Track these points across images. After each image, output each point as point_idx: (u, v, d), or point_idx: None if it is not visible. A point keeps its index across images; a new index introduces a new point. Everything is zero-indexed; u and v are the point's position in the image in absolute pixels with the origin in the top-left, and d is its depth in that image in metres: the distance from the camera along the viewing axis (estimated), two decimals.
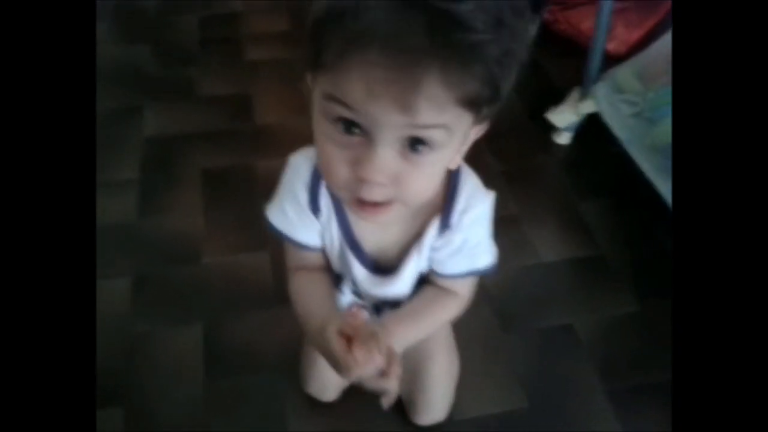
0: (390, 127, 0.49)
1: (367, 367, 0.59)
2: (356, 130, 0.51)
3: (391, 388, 0.62)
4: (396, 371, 0.61)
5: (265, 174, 1.36)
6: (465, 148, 0.60)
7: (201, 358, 1.05)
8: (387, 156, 0.51)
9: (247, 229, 1.25)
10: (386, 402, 0.68)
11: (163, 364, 1.05)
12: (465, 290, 0.76)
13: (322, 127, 0.54)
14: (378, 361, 0.59)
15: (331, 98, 0.50)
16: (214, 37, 1.77)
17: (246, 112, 1.53)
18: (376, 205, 0.55)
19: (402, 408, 0.97)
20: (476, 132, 0.58)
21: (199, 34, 1.78)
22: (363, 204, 0.56)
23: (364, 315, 0.65)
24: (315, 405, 0.98)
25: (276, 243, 1.20)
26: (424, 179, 0.55)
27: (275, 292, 1.14)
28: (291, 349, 1.02)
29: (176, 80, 1.62)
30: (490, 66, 0.48)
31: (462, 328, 1.02)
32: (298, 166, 0.69)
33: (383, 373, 0.60)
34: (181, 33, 1.78)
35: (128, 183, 1.34)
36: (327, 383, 0.95)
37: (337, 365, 0.61)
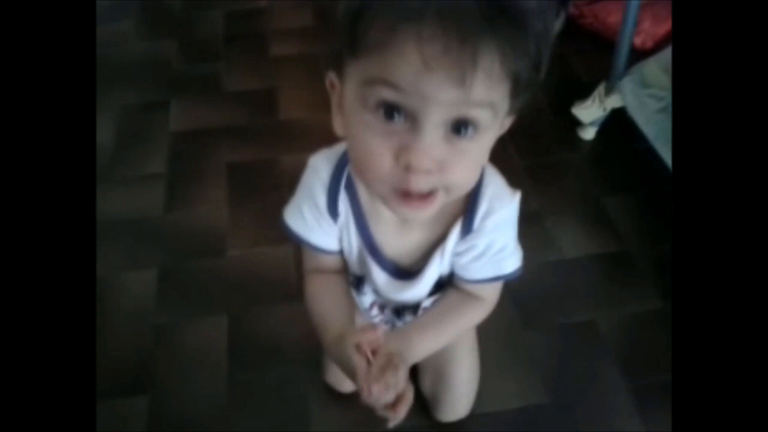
0: (439, 105, 0.48)
1: (380, 400, 0.57)
2: (398, 116, 0.50)
3: (398, 418, 0.60)
4: (405, 406, 0.59)
5: (289, 168, 1.37)
6: (494, 141, 0.58)
7: (225, 349, 1.06)
8: (434, 140, 0.50)
9: (271, 222, 1.25)
10: (391, 424, 0.62)
11: (188, 355, 1.06)
12: (491, 295, 0.74)
13: (359, 117, 0.52)
14: (391, 396, 0.57)
15: (375, 81, 0.49)
16: (239, 33, 1.79)
17: (270, 107, 1.54)
18: (421, 197, 0.54)
19: (422, 403, 0.98)
20: (504, 126, 0.58)
21: (224, 30, 1.80)
22: (408, 197, 0.54)
23: (383, 329, 0.61)
24: (337, 397, 0.99)
25: None
26: (468, 166, 0.54)
27: (298, 285, 1.13)
28: (314, 342, 1.01)
29: (202, 76, 1.64)
30: (538, 41, 0.48)
31: (483, 324, 1.01)
32: (318, 168, 0.67)
33: (393, 405, 0.58)
34: (207, 29, 1.80)
35: (155, 177, 1.37)
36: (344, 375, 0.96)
37: (353, 378, 0.59)
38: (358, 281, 0.78)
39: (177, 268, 1.19)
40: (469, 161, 0.54)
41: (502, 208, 0.65)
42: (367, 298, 0.80)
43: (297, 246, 1.19)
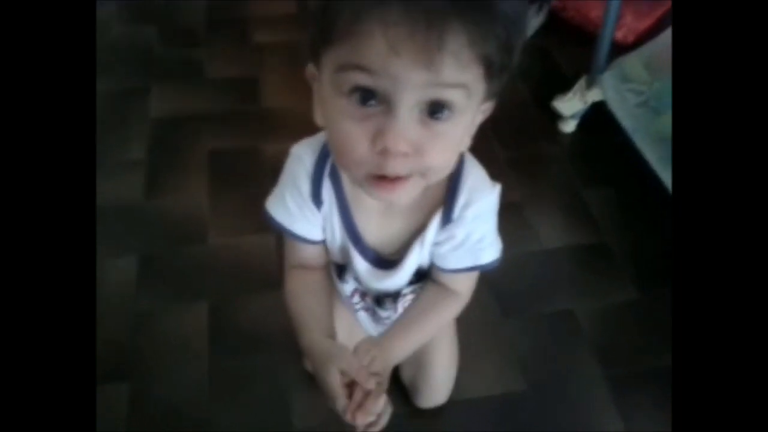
0: (411, 87, 0.48)
1: (361, 425, 0.60)
2: (373, 101, 0.50)
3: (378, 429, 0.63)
4: (384, 421, 0.62)
5: (272, 156, 1.36)
6: (473, 129, 0.60)
7: (206, 337, 1.07)
8: (408, 122, 0.50)
9: (253, 210, 1.25)
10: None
11: (169, 342, 1.06)
12: (466, 286, 0.75)
13: (335, 104, 0.52)
14: (373, 419, 0.60)
15: (347, 67, 0.49)
16: (221, 19, 1.77)
17: (252, 94, 1.53)
18: (394, 180, 0.54)
19: (402, 390, 0.99)
20: (484, 111, 0.59)
21: (206, 16, 1.78)
22: (381, 181, 0.54)
23: (366, 347, 0.64)
24: (318, 385, 1.00)
25: None
26: (444, 148, 0.54)
27: (280, 273, 1.15)
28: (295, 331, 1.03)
29: (183, 62, 1.63)
30: (507, 25, 0.48)
31: (463, 313, 1.03)
32: (301, 156, 0.67)
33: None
34: (188, 15, 1.78)
35: (135, 164, 1.35)
36: None
37: (332, 400, 0.62)
38: (340, 270, 0.79)
39: (158, 255, 1.19)
40: (445, 143, 0.54)
41: (481, 198, 0.66)
42: (348, 286, 0.81)
43: (279, 235, 1.20)
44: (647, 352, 1.07)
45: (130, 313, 1.09)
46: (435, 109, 0.51)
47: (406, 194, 0.56)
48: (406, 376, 0.98)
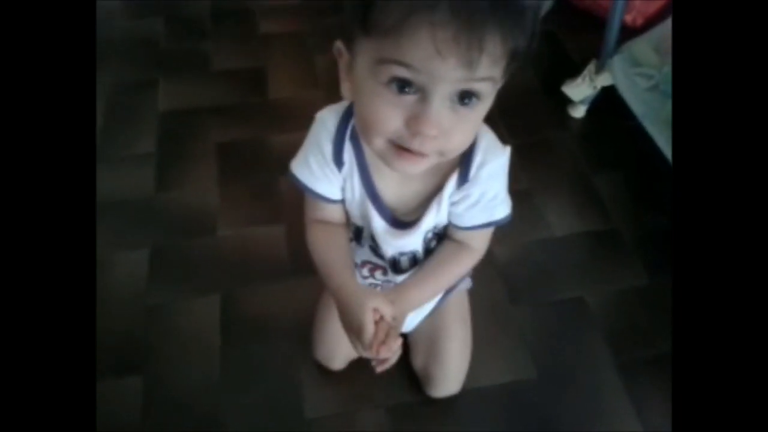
0: (448, 82, 0.53)
1: (380, 357, 0.68)
2: (410, 90, 0.55)
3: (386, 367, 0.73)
4: (395, 359, 0.71)
5: (279, 147, 1.36)
6: (488, 108, 0.63)
7: (217, 328, 1.07)
8: (441, 111, 0.56)
9: (262, 201, 1.27)
10: (379, 368, 0.73)
11: (181, 334, 1.07)
12: (481, 243, 0.79)
13: (371, 87, 0.57)
14: (389, 354, 0.69)
15: (389, 61, 0.53)
16: (227, 11, 1.77)
17: (260, 85, 1.53)
18: (415, 154, 0.59)
19: (413, 379, 0.99)
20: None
21: (211, 8, 1.77)
22: (403, 152, 0.59)
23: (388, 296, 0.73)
24: (330, 375, 1.01)
25: (291, 216, 1.22)
26: (467, 132, 0.60)
27: (290, 264, 1.16)
28: (306, 321, 1.04)
29: (190, 54, 1.63)
30: (532, 18, 0.53)
31: (472, 300, 1.04)
32: (325, 120, 0.72)
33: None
34: (195, 7, 1.78)
35: (144, 157, 1.36)
36: (334, 351, 0.98)
37: (353, 332, 0.71)
38: (357, 232, 0.82)
39: (169, 247, 1.19)
40: (468, 126, 0.60)
41: (495, 158, 0.70)
42: (362, 252, 0.85)
43: (288, 225, 1.21)
44: (658, 338, 1.06)
45: (142, 306, 1.10)
46: (464, 97, 0.56)
47: (421, 168, 0.62)
48: (418, 364, 0.99)
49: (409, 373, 0.99)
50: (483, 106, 0.59)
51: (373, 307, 0.69)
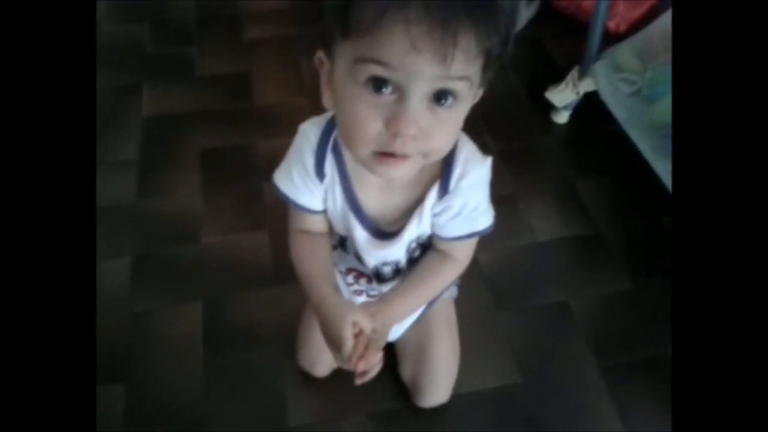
0: (424, 79, 0.55)
1: (359, 370, 0.70)
2: (386, 89, 0.56)
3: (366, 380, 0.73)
4: (375, 372, 0.72)
5: (265, 153, 1.36)
6: (467, 111, 0.64)
7: (201, 336, 1.07)
8: (419, 109, 0.57)
9: (246, 208, 1.26)
10: (359, 381, 0.73)
11: (164, 342, 1.06)
12: (464, 253, 0.80)
13: (349, 90, 0.58)
14: (368, 367, 0.70)
15: (366, 60, 0.55)
16: (213, 16, 1.76)
17: (245, 91, 1.53)
18: (398, 157, 0.60)
19: (398, 386, 0.99)
20: (475, 96, 0.64)
21: (197, 13, 1.77)
22: (386, 157, 0.60)
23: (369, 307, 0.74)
24: (314, 383, 1.00)
25: (276, 223, 1.22)
26: (447, 132, 0.61)
27: (274, 271, 1.15)
28: (290, 328, 1.04)
29: (175, 59, 1.62)
30: (506, 20, 0.55)
31: (457, 306, 1.04)
32: (307, 132, 0.73)
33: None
34: (179, 12, 1.77)
35: (127, 163, 1.35)
36: (318, 358, 0.97)
37: (333, 345, 0.72)
38: (342, 240, 0.83)
39: (152, 255, 1.18)
40: (447, 127, 0.60)
41: (475, 169, 0.71)
42: (347, 260, 0.85)
43: (273, 233, 1.20)
44: (642, 343, 1.07)
45: (125, 314, 1.09)
46: (441, 97, 0.57)
47: (406, 172, 0.63)
48: (406, 374, 0.98)
49: (393, 381, 0.99)
50: (461, 107, 0.60)
51: (352, 321, 0.69)
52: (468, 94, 0.59)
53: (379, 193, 0.74)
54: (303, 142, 0.73)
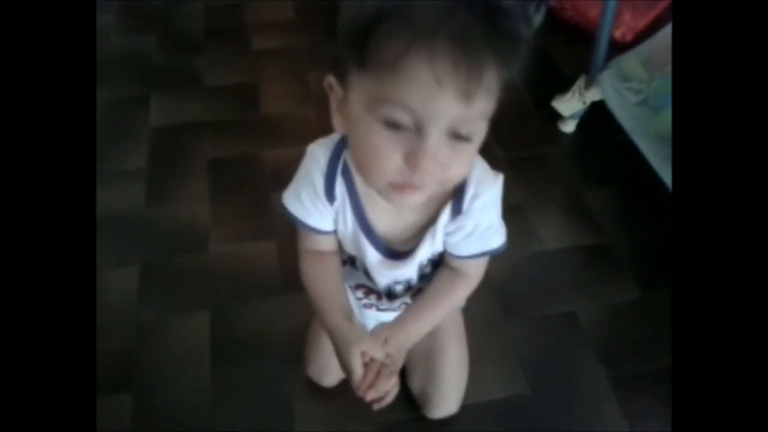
0: (444, 118, 0.54)
1: (373, 396, 0.69)
2: (405, 127, 0.55)
3: (381, 406, 0.72)
4: (390, 400, 0.72)
5: (272, 163, 1.36)
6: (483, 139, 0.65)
7: (208, 345, 1.07)
8: (438, 146, 0.55)
9: (253, 218, 1.27)
10: (376, 406, 0.72)
11: (171, 351, 1.06)
12: (476, 271, 0.79)
13: (366, 122, 0.56)
14: (380, 395, 0.70)
15: (386, 101, 0.53)
16: (220, 27, 1.78)
17: (252, 101, 1.54)
18: (413, 187, 0.59)
19: (405, 396, 0.98)
20: None
21: (204, 24, 1.78)
22: (403, 187, 0.59)
23: (381, 337, 0.73)
24: (320, 391, 1.00)
25: (283, 232, 1.22)
26: (464, 164, 0.61)
27: (282, 280, 1.15)
28: (298, 337, 1.04)
29: (182, 70, 1.63)
30: (524, 48, 0.54)
31: (465, 315, 1.03)
32: (316, 155, 0.72)
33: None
34: (187, 23, 1.79)
35: (135, 173, 1.36)
36: (326, 368, 0.97)
37: (348, 371, 0.71)
38: (351, 259, 0.82)
39: (159, 264, 1.19)
40: (464, 158, 0.60)
41: (488, 189, 0.70)
42: (357, 277, 0.85)
43: (280, 243, 1.20)
44: (651, 352, 1.06)
45: (132, 323, 1.09)
46: (457, 134, 0.56)
47: (421, 199, 0.62)
48: (415, 386, 0.98)
49: (401, 391, 0.98)
50: (477, 141, 0.59)
51: (361, 351, 0.70)
52: (484, 127, 0.58)
53: (390, 215, 0.74)
54: (312, 165, 0.72)
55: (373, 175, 0.60)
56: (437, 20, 0.49)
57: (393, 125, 0.55)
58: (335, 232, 0.77)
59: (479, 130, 0.57)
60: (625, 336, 1.09)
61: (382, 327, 0.76)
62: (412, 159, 0.56)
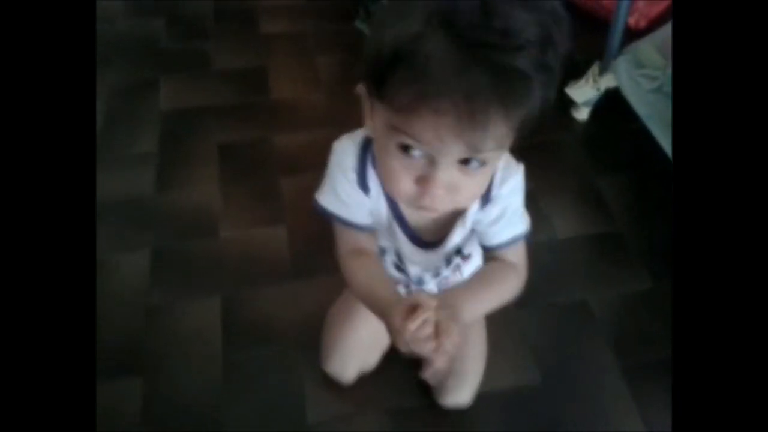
0: (453, 156, 0.56)
1: (416, 335, 0.59)
2: (417, 154, 0.57)
3: (438, 361, 0.62)
4: (447, 346, 0.60)
5: (281, 147, 1.36)
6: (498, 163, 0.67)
7: (219, 330, 1.06)
8: (448, 175, 0.58)
9: (263, 202, 1.26)
10: (427, 374, 0.66)
11: (182, 336, 1.06)
12: (519, 258, 0.79)
13: (384, 143, 0.60)
14: (427, 332, 0.59)
15: (399, 131, 0.56)
16: (229, 10, 1.76)
17: (261, 85, 1.52)
18: (426, 208, 0.62)
19: (416, 383, 0.98)
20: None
21: (213, 8, 1.77)
22: (417, 205, 0.63)
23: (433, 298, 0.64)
24: (332, 379, 0.99)
25: (293, 217, 1.21)
26: (477, 185, 0.63)
27: (292, 266, 1.15)
28: (308, 323, 1.03)
29: (191, 54, 1.62)
30: (543, 93, 0.54)
31: None
32: (344, 153, 0.73)
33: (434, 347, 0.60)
34: (196, 6, 1.77)
35: (145, 157, 1.35)
36: (347, 364, 0.97)
37: (393, 332, 0.63)
38: (381, 251, 0.84)
39: (170, 249, 1.18)
40: (478, 182, 0.62)
41: (513, 175, 0.72)
42: (389, 270, 0.86)
43: (290, 226, 1.20)
44: (662, 342, 1.05)
45: (143, 308, 1.09)
46: (468, 160, 0.58)
47: (438, 215, 0.66)
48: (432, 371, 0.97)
49: (411, 377, 0.98)
50: (491, 165, 0.61)
51: (410, 305, 0.61)
52: (500, 154, 0.60)
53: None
54: (343, 160, 0.72)
55: (391, 190, 0.65)
56: (446, 78, 0.50)
57: (407, 150, 0.58)
58: (372, 228, 0.78)
59: (493, 157, 0.59)
60: (636, 326, 1.09)
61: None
62: (423, 182, 0.59)
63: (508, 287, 0.78)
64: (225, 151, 1.37)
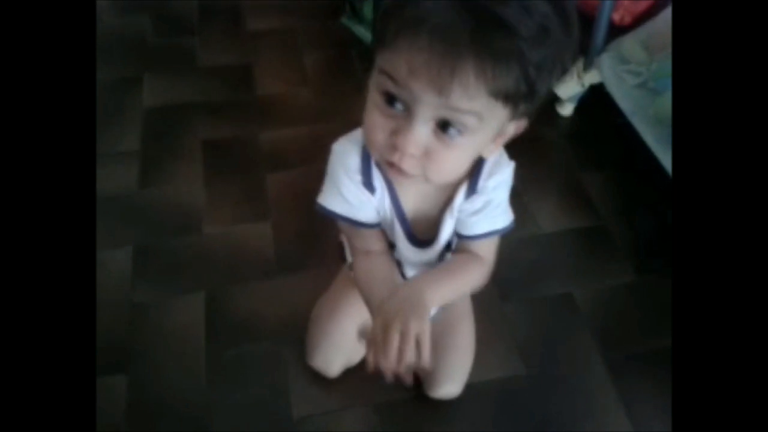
0: (426, 104, 0.56)
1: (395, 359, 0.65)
2: (398, 105, 0.58)
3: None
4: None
5: (267, 144, 1.35)
6: (502, 140, 0.67)
7: (203, 327, 1.06)
8: (422, 131, 0.59)
9: (248, 199, 1.26)
10: (370, 367, 0.69)
11: (166, 333, 1.06)
12: (487, 252, 0.80)
13: (372, 96, 0.61)
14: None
15: (383, 72, 0.58)
16: (214, 7, 1.75)
17: (247, 82, 1.52)
18: (398, 167, 0.62)
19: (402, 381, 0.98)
20: (515, 127, 0.65)
21: (199, 4, 1.76)
22: (392, 165, 0.62)
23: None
24: (317, 373, 0.99)
25: (278, 213, 1.21)
26: (451, 160, 0.62)
27: (277, 262, 1.15)
28: (293, 319, 1.03)
29: (176, 50, 1.61)
30: (527, 68, 0.54)
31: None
32: (346, 155, 0.73)
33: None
34: (181, 3, 1.76)
35: (129, 154, 1.34)
36: (332, 358, 0.97)
37: (378, 347, 0.66)
38: (392, 246, 0.84)
39: (153, 246, 1.18)
40: (453, 156, 0.61)
41: (501, 171, 0.73)
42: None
43: (275, 223, 1.19)
44: (646, 334, 1.06)
45: (127, 305, 1.08)
46: (446, 125, 0.58)
47: (411, 180, 0.64)
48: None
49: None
50: (470, 139, 0.60)
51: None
52: (480, 127, 0.59)
53: (415, 199, 0.76)
54: (345, 160, 0.73)
55: (369, 146, 0.65)
56: (430, 15, 0.52)
57: (387, 98, 0.59)
58: (380, 225, 0.79)
59: (471, 127, 0.58)
60: (621, 318, 1.09)
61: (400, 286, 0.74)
62: (395, 136, 0.59)
63: (470, 278, 0.80)
64: (209, 148, 1.36)
